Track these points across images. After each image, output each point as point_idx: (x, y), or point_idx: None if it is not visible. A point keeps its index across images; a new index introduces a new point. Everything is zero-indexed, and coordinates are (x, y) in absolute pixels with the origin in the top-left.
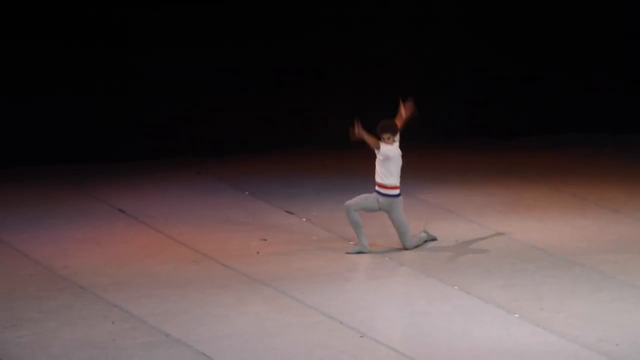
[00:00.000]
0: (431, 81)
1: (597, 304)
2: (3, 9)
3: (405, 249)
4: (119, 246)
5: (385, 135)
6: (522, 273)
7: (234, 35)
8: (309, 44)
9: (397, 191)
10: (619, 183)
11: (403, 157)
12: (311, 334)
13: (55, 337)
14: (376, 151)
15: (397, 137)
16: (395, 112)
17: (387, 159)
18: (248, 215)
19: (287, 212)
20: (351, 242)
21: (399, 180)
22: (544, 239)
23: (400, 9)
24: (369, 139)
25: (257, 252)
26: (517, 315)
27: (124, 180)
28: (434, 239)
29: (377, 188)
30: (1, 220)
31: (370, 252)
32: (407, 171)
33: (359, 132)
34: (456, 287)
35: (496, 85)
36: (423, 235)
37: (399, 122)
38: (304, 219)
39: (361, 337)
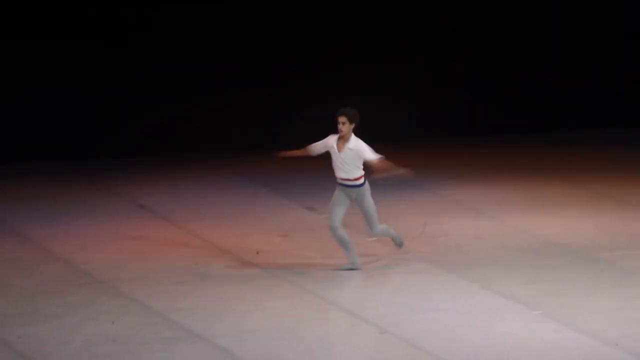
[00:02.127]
0: (435, 79)
1: (619, 301)
2: (3, 9)
3: (372, 233)
4: (140, 241)
5: (341, 120)
6: (543, 269)
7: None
8: (309, 44)
9: (364, 179)
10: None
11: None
12: (331, 330)
13: (77, 332)
14: (347, 150)
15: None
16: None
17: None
18: (268, 211)
19: (307, 208)
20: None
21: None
22: (565, 235)
23: (400, 9)
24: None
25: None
26: (538, 312)
27: (145, 176)
28: (399, 244)
29: (347, 182)
30: (23, 215)
31: (361, 269)
32: (427, 168)
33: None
34: (477, 284)
35: (496, 85)
36: (392, 232)
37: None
38: (324, 215)
39: (381, 333)
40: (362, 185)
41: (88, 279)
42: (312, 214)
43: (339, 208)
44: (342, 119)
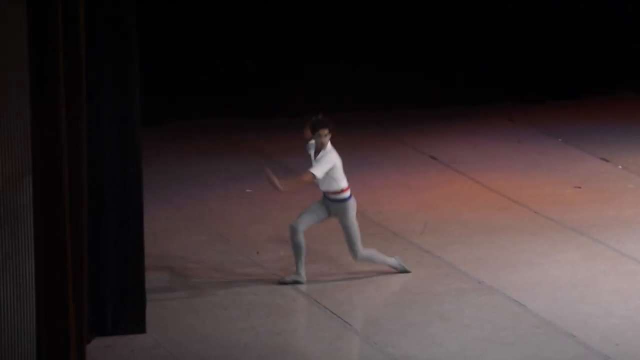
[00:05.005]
0: None
1: None
2: None
3: (354, 259)
4: (431, 192)
5: (324, 132)
6: None
7: None
8: None
9: (347, 193)
10: None
11: None
12: (627, 283)
13: (371, 282)
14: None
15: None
16: None
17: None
18: (561, 162)
19: (601, 159)
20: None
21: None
22: None
23: None
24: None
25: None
26: None
27: (434, 127)
28: (405, 271)
29: (330, 196)
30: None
31: (305, 283)
32: None
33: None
34: None
35: None
36: (392, 261)
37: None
38: (620, 166)
39: None
40: (345, 200)
41: (380, 229)
42: (607, 165)
43: (310, 215)
44: (325, 131)
